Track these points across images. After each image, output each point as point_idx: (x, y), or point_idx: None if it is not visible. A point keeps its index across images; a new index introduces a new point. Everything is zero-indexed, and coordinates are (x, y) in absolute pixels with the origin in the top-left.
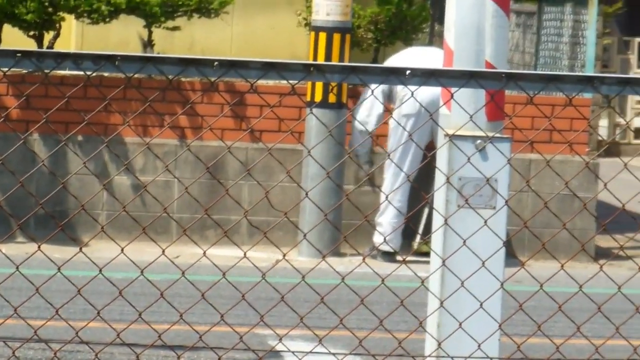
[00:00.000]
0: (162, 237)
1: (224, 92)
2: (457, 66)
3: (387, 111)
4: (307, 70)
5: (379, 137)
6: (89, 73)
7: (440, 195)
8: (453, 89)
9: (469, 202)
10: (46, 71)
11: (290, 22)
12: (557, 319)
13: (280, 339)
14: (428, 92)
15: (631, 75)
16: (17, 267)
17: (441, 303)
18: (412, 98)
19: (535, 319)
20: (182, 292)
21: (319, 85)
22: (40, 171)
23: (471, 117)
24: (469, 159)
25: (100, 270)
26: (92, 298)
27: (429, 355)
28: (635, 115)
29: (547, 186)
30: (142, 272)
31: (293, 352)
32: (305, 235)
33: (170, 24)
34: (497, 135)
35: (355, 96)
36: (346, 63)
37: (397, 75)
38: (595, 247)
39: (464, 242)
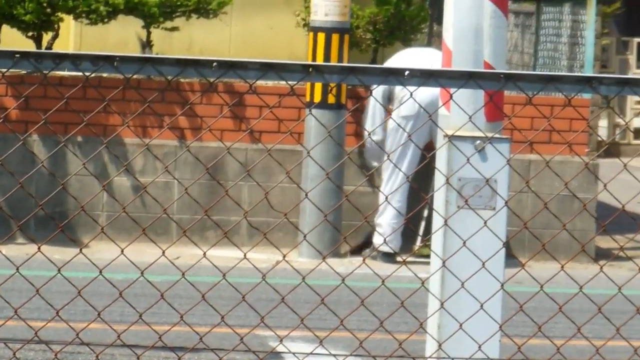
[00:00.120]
0: (162, 238)
1: (223, 93)
2: (455, 67)
3: (388, 113)
4: (306, 71)
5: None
6: (87, 74)
7: (439, 196)
8: (452, 90)
9: (468, 203)
10: (45, 72)
11: (289, 23)
12: (558, 320)
13: (281, 340)
14: (427, 93)
15: (630, 75)
16: (18, 269)
17: (441, 304)
18: (410, 100)
19: (536, 320)
20: (182, 293)
21: (318, 86)
22: (40, 172)
23: (470, 117)
24: (468, 159)
25: (101, 272)
26: (93, 299)
27: (430, 357)
28: (635, 115)
29: (547, 187)
30: (142, 273)
31: (294, 354)
32: (305, 236)
33: (168, 24)
34: (497, 135)
35: (355, 97)
36: (345, 64)
37: (396, 76)
38: (595, 248)
39: (464, 243)
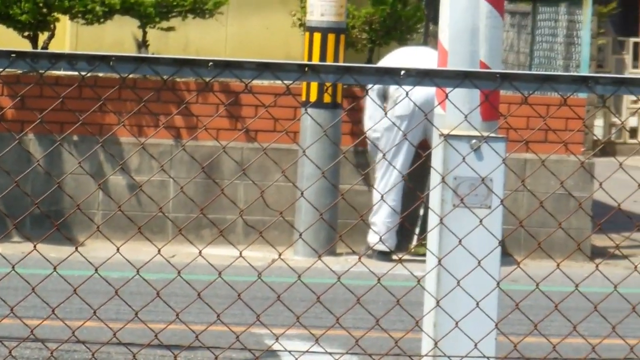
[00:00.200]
0: (158, 236)
1: (218, 92)
2: (451, 66)
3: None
4: (302, 71)
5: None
6: (83, 73)
7: (435, 195)
8: (448, 89)
9: (464, 202)
10: (41, 72)
11: (285, 23)
12: (554, 318)
13: (277, 338)
14: (421, 93)
15: (626, 75)
16: (13, 267)
17: (437, 302)
18: (404, 100)
19: (532, 318)
20: (178, 292)
21: (314, 86)
22: (36, 171)
23: (466, 117)
24: (464, 158)
25: (96, 270)
26: (88, 297)
27: (426, 355)
28: (631, 115)
29: (543, 186)
30: (138, 271)
31: (289, 352)
32: (301, 235)
33: (164, 24)
34: (492, 135)
35: (350, 96)
36: (341, 63)
37: (392, 75)
38: (591, 247)
39: (460, 241)
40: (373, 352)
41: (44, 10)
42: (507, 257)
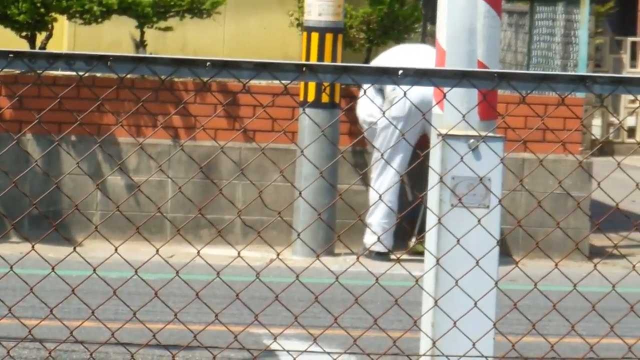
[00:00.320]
0: (156, 236)
1: (216, 92)
2: (449, 66)
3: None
4: (300, 71)
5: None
6: (81, 73)
7: (433, 195)
8: (445, 89)
9: (462, 202)
10: (39, 72)
11: (283, 23)
12: (552, 317)
13: (275, 338)
14: (417, 92)
15: (624, 74)
16: (11, 267)
17: (435, 302)
18: (401, 101)
19: (530, 317)
20: (176, 292)
21: (312, 85)
22: (34, 171)
23: (464, 116)
24: (462, 158)
25: (95, 270)
26: (87, 297)
27: (424, 354)
28: (628, 114)
29: (541, 185)
30: (136, 271)
31: (288, 351)
32: (299, 235)
33: (162, 24)
34: (490, 134)
35: (348, 96)
36: (338, 63)
37: (390, 75)
38: (589, 246)
39: (458, 241)
40: (371, 351)
41: (42, 10)
42: (505, 256)
